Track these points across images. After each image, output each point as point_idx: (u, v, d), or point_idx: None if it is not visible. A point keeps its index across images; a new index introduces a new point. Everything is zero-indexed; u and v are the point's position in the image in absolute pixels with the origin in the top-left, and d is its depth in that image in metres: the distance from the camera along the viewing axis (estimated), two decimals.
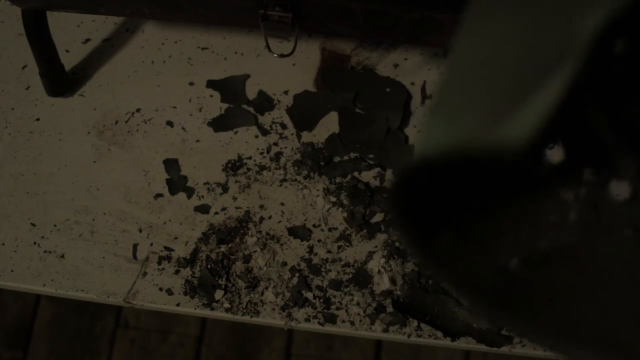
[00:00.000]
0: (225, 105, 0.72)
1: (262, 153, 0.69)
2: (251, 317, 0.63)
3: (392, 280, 0.63)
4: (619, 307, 0.31)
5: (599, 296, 0.32)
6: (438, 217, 0.32)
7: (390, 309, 0.62)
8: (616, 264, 0.32)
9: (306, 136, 0.69)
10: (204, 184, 0.68)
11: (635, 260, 0.32)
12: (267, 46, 0.63)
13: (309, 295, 0.63)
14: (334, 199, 0.66)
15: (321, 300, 0.63)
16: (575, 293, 0.32)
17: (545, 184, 0.34)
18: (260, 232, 0.66)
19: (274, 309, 0.63)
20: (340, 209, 0.66)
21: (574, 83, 0.25)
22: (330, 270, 0.64)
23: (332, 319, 0.62)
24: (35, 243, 0.67)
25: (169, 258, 0.66)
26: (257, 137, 0.70)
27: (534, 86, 0.23)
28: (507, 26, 0.26)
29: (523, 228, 0.33)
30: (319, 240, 0.65)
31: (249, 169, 0.69)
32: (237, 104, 0.71)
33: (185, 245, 0.66)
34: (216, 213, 0.67)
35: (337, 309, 0.63)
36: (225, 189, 0.68)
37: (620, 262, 0.32)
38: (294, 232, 0.66)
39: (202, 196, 0.68)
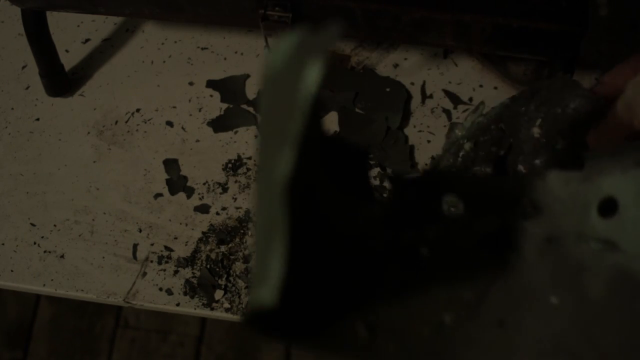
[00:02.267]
0: (225, 105, 0.72)
1: None
2: None
3: None
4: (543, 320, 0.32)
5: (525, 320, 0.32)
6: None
7: None
8: (541, 278, 0.33)
9: None
10: (204, 184, 0.68)
11: (555, 267, 0.33)
12: (267, 46, 0.63)
13: None
14: None
15: None
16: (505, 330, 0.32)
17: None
18: None
19: None
20: None
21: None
22: None
23: None
24: (35, 243, 0.67)
25: (169, 258, 0.66)
26: (257, 137, 0.70)
27: (266, 250, 0.25)
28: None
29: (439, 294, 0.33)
30: None
31: (249, 169, 0.69)
32: (237, 104, 0.71)
33: (185, 245, 0.66)
34: (216, 213, 0.67)
35: None
36: (225, 189, 0.68)
37: (543, 276, 0.33)
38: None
39: (202, 196, 0.68)
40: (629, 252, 0.32)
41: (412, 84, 0.71)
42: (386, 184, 0.35)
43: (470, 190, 0.35)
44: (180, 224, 0.67)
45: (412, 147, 0.68)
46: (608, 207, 0.33)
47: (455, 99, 0.70)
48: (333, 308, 0.31)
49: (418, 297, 0.33)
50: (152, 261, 0.66)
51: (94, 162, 0.70)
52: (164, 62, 0.74)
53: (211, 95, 0.72)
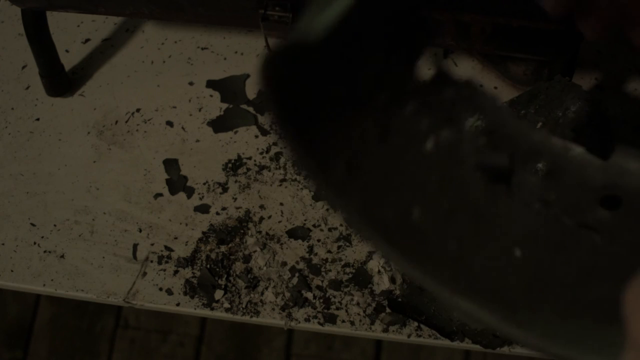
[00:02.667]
0: (225, 105, 0.72)
1: (262, 153, 0.69)
2: (251, 317, 0.63)
3: (392, 280, 0.63)
4: (504, 262, 0.34)
5: (493, 254, 0.34)
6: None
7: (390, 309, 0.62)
8: (519, 231, 0.35)
9: None
10: (204, 184, 0.68)
11: (538, 230, 0.35)
12: (267, 46, 0.63)
13: (309, 295, 0.63)
14: None
15: (321, 300, 0.63)
16: (471, 248, 0.34)
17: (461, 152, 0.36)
18: (260, 232, 0.66)
19: (274, 309, 0.63)
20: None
21: None
22: (330, 270, 0.64)
23: (332, 319, 0.62)
24: (35, 243, 0.67)
25: (169, 258, 0.66)
26: (257, 137, 0.70)
27: None
28: None
29: (436, 182, 0.36)
30: (319, 240, 0.65)
31: (248, 169, 0.69)
32: (237, 104, 0.71)
33: (185, 245, 0.66)
34: (216, 213, 0.67)
35: (337, 309, 0.63)
36: (225, 189, 0.68)
37: (523, 230, 0.35)
38: (293, 232, 0.66)
39: (202, 196, 0.68)
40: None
41: None
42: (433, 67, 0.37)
43: (500, 122, 0.36)
44: (180, 224, 0.67)
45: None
46: (612, 201, 0.34)
47: None
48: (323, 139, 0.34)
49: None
50: (152, 261, 0.66)
51: (94, 162, 0.70)
52: (164, 62, 0.74)
53: (211, 95, 0.72)
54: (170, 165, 0.69)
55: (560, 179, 0.36)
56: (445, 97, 0.36)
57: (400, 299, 0.62)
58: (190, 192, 0.68)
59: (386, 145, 0.36)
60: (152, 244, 0.66)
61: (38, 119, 0.73)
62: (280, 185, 0.68)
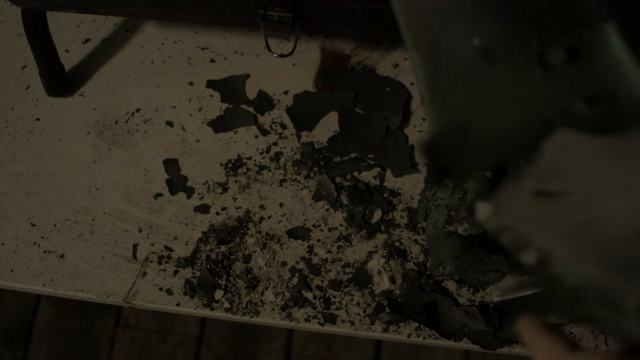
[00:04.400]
0: (225, 105, 0.72)
1: (262, 153, 0.69)
2: (251, 317, 0.63)
3: (392, 280, 0.63)
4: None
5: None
6: None
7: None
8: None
9: (306, 136, 0.70)
10: (204, 184, 0.68)
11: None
12: (267, 46, 0.63)
13: (309, 295, 0.63)
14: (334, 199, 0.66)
15: (321, 300, 0.63)
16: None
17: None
18: (260, 232, 0.66)
19: (274, 309, 0.63)
20: (340, 209, 0.66)
21: None
22: (330, 270, 0.64)
23: (332, 319, 0.62)
24: (35, 243, 0.67)
25: (169, 258, 0.66)
26: (257, 137, 0.70)
27: None
28: None
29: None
30: (319, 240, 0.65)
31: (248, 169, 0.69)
32: (237, 104, 0.71)
33: (185, 245, 0.66)
34: (216, 213, 0.67)
35: (337, 309, 0.63)
36: (225, 189, 0.68)
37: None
38: (293, 232, 0.66)
39: (202, 196, 0.68)
40: None
41: (412, 84, 0.71)
42: None
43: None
44: (180, 224, 0.67)
45: (412, 147, 0.68)
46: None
47: None
48: None
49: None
50: (152, 261, 0.66)
51: (94, 162, 0.70)
52: (164, 62, 0.74)
53: (211, 95, 0.72)
54: (170, 165, 0.69)
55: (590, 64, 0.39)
56: None
57: (400, 299, 0.62)
58: (190, 192, 0.68)
59: None
60: (152, 244, 0.66)
61: (38, 119, 0.73)
62: (280, 185, 0.68)
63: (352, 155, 0.68)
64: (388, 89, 0.71)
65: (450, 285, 0.63)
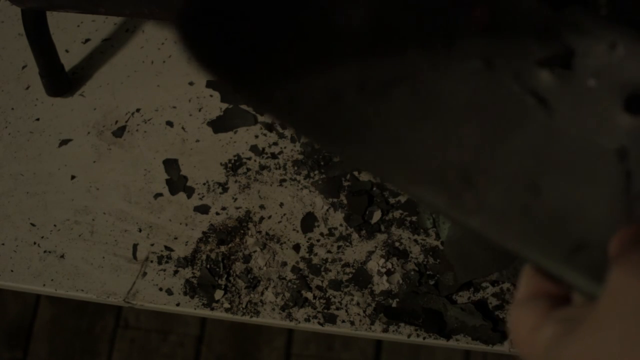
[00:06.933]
0: (225, 105, 0.72)
1: (262, 153, 0.69)
2: (251, 317, 0.63)
3: (392, 281, 0.63)
4: (456, 138, 0.32)
5: (436, 127, 0.32)
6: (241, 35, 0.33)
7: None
8: (459, 96, 0.33)
9: None
10: (204, 184, 0.68)
11: (479, 92, 0.33)
12: None
13: (309, 295, 0.63)
14: (333, 199, 0.66)
15: (321, 300, 0.63)
16: (413, 124, 0.32)
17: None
18: (260, 232, 0.66)
19: (274, 309, 0.63)
20: (340, 209, 0.66)
21: None
22: (330, 270, 0.64)
23: (332, 319, 0.62)
24: (35, 243, 0.67)
25: (169, 258, 0.66)
26: (257, 137, 0.70)
27: None
28: None
29: (361, 56, 0.33)
30: (319, 240, 0.65)
31: (249, 169, 0.69)
32: (237, 104, 0.71)
33: (185, 245, 0.66)
34: (216, 213, 0.67)
35: (337, 309, 0.63)
36: (225, 189, 0.68)
37: (463, 94, 0.33)
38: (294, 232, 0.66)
39: (202, 196, 0.68)
40: None
41: None
42: None
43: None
44: (180, 224, 0.67)
45: None
46: (562, 63, 0.32)
47: None
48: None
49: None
50: (152, 261, 0.66)
51: (94, 162, 0.70)
52: (164, 62, 0.74)
53: (211, 95, 0.72)
54: (170, 165, 0.69)
55: (504, 32, 0.33)
56: None
57: (397, 302, 0.62)
58: (190, 192, 0.68)
59: (299, 27, 0.33)
60: (152, 244, 0.66)
61: (38, 119, 0.73)
62: (280, 185, 0.68)
63: None
64: None
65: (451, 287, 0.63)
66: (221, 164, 0.69)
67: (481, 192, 0.30)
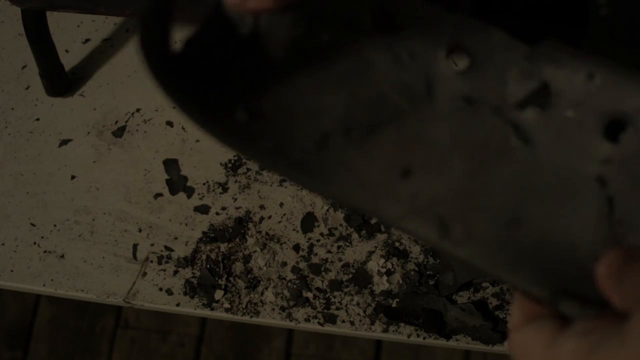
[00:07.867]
0: None
1: None
2: (251, 317, 0.63)
3: (392, 281, 0.63)
4: (442, 174, 0.33)
5: (423, 165, 0.33)
6: (227, 86, 0.34)
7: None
8: (445, 135, 0.33)
9: None
10: (204, 184, 0.68)
11: (463, 130, 0.33)
12: None
13: (309, 295, 0.63)
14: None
15: (321, 300, 0.63)
16: (400, 163, 0.33)
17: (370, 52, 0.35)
18: (260, 232, 0.66)
19: (274, 309, 0.63)
20: (340, 209, 0.66)
21: None
22: (330, 270, 0.64)
23: (332, 319, 0.62)
24: (35, 243, 0.67)
25: (169, 258, 0.66)
26: None
27: None
28: None
29: (346, 102, 0.34)
30: (319, 240, 0.65)
31: (248, 169, 0.69)
32: None
33: (185, 245, 0.66)
34: (216, 213, 0.67)
35: (337, 309, 0.63)
36: (225, 189, 0.68)
37: (448, 133, 0.34)
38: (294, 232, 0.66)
39: (202, 196, 0.68)
40: (541, 153, 0.32)
41: None
42: None
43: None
44: (180, 224, 0.67)
45: None
46: (541, 100, 0.33)
47: None
48: (220, 87, 0.33)
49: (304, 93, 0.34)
50: (152, 261, 0.66)
51: (94, 162, 0.70)
52: None
53: None
54: (170, 165, 0.69)
55: (482, 71, 0.34)
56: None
57: (397, 302, 0.62)
58: (190, 192, 0.68)
59: (284, 77, 0.34)
60: (152, 244, 0.66)
61: (38, 119, 0.73)
62: (280, 185, 0.68)
63: None
64: None
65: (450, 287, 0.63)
66: (221, 164, 0.69)
67: (469, 224, 0.31)
